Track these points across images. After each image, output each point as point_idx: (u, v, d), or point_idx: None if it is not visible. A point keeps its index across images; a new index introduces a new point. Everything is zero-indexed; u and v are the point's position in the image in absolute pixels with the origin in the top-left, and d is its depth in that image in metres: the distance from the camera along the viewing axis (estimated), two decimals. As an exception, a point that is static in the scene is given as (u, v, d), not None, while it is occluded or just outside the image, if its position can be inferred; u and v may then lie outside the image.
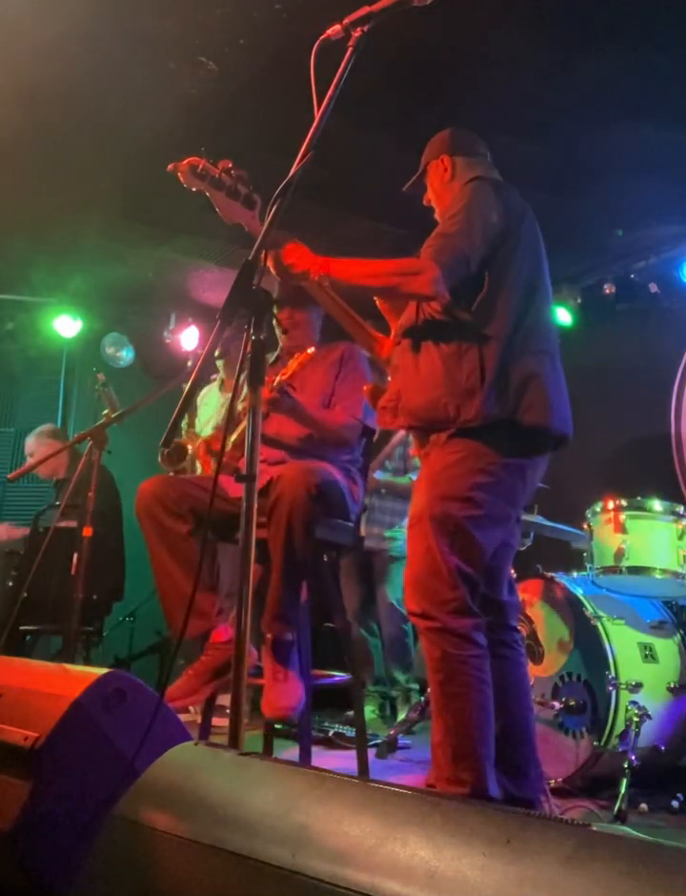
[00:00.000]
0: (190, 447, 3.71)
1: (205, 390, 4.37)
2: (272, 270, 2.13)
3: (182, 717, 1.78)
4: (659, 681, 3.04)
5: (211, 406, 4.33)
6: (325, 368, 3.00)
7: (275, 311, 3.09)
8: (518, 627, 2.41)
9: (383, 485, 4.50)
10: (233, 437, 2.83)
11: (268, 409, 2.73)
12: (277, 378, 2.72)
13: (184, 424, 3.94)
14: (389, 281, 2.19)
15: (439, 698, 2.12)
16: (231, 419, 2.80)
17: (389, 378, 2.47)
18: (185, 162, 1.95)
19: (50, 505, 4.70)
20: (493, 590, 2.27)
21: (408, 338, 2.32)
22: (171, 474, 3.48)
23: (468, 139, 2.48)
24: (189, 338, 6.16)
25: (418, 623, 2.19)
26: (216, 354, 3.63)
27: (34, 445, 4.96)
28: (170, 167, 1.95)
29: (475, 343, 2.17)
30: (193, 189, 1.97)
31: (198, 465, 3.74)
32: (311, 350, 2.86)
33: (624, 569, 3.06)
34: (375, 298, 2.43)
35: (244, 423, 2.80)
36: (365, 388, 2.53)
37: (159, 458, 3.71)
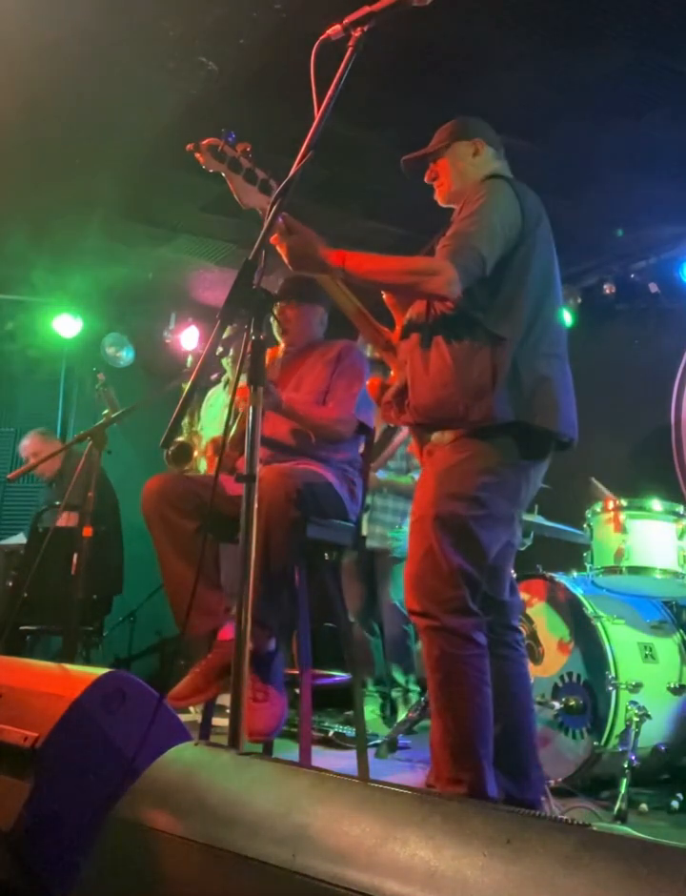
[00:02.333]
0: (195, 450, 3.71)
1: (211, 391, 4.38)
2: (285, 259, 2.12)
3: (182, 717, 1.78)
4: (659, 681, 3.04)
5: (216, 407, 4.33)
6: (322, 365, 2.99)
7: (275, 308, 3.09)
8: (519, 627, 2.41)
9: (385, 484, 4.50)
10: (232, 434, 2.83)
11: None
12: None
13: (185, 423, 3.94)
14: (404, 279, 2.17)
15: (438, 697, 2.12)
16: (231, 417, 2.80)
17: (391, 373, 2.46)
18: (205, 142, 1.94)
19: (49, 505, 4.70)
20: (494, 590, 2.27)
21: (418, 335, 2.30)
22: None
23: (495, 135, 2.46)
24: (189, 338, 6.17)
25: (418, 622, 2.18)
26: (218, 352, 3.63)
27: (32, 446, 4.98)
28: (189, 146, 1.94)
29: (488, 343, 2.16)
30: (211, 170, 1.96)
31: (204, 464, 3.74)
32: (281, 346, 2.86)
33: (624, 569, 3.06)
34: (384, 293, 2.42)
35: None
36: (369, 382, 2.50)
37: (165, 460, 3.71)
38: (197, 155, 1.94)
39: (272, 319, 3.08)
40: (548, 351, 2.22)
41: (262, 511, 2.43)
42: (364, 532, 4.50)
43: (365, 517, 4.50)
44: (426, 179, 2.46)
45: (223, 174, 2.00)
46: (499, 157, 2.43)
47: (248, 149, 1.98)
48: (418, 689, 4.39)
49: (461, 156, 2.40)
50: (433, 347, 2.24)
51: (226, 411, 4.09)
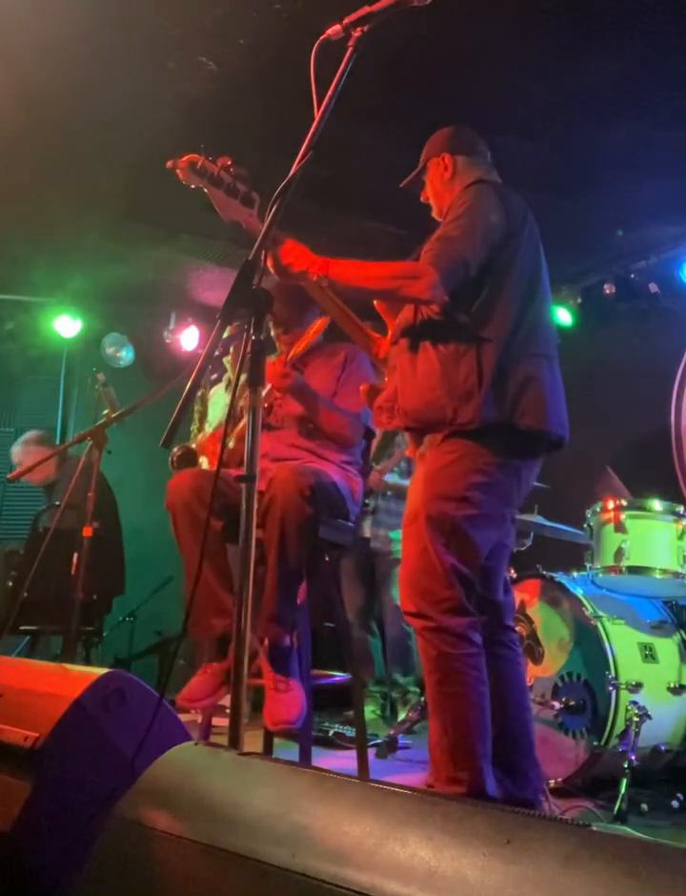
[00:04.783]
0: (201, 457, 3.71)
1: (213, 390, 4.38)
2: (270, 268, 2.13)
3: (182, 717, 1.78)
4: (659, 681, 3.04)
5: (218, 406, 4.33)
6: (328, 369, 3.00)
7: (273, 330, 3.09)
8: (515, 627, 2.41)
9: (391, 487, 4.51)
10: (236, 430, 2.84)
11: (279, 387, 2.74)
12: (289, 355, 2.73)
13: (193, 428, 3.94)
14: (387, 284, 2.19)
15: (436, 697, 2.12)
16: (231, 417, 2.80)
17: (386, 378, 2.48)
18: (184, 159, 1.95)
19: (49, 505, 4.70)
20: (488, 590, 2.27)
21: (405, 339, 2.32)
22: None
23: (469, 138, 2.48)
24: (189, 338, 6.16)
25: (414, 623, 2.19)
26: (217, 352, 3.62)
27: (21, 454, 4.92)
28: (168, 164, 1.95)
29: (474, 345, 2.17)
30: (192, 185, 1.98)
31: (204, 461, 3.74)
32: (317, 322, 2.87)
33: (624, 569, 3.06)
34: (373, 300, 2.43)
35: (244, 420, 2.82)
36: (362, 388, 2.53)
37: (170, 465, 3.70)
38: (178, 172, 1.95)
39: (272, 334, 3.08)
40: (535, 351, 2.23)
41: (277, 509, 2.45)
42: (367, 534, 4.51)
43: (369, 519, 4.51)
44: (422, 199, 2.53)
45: (204, 190, 2.00)
46: (479, 164, 2.44)
47: (228, 163, 1.99)
48: (418, 690, 4.40)
49: (436, 174, 2.46)
50: (420, 351, 2.25)
51: (226, 410, 4.10)
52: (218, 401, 4.33)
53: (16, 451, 4.98)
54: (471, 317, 2.19)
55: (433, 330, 2.24)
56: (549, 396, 2.20)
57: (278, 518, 2.45)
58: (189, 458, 3.69)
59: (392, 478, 4.50)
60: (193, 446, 3.80)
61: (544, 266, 2.34)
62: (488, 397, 2.13)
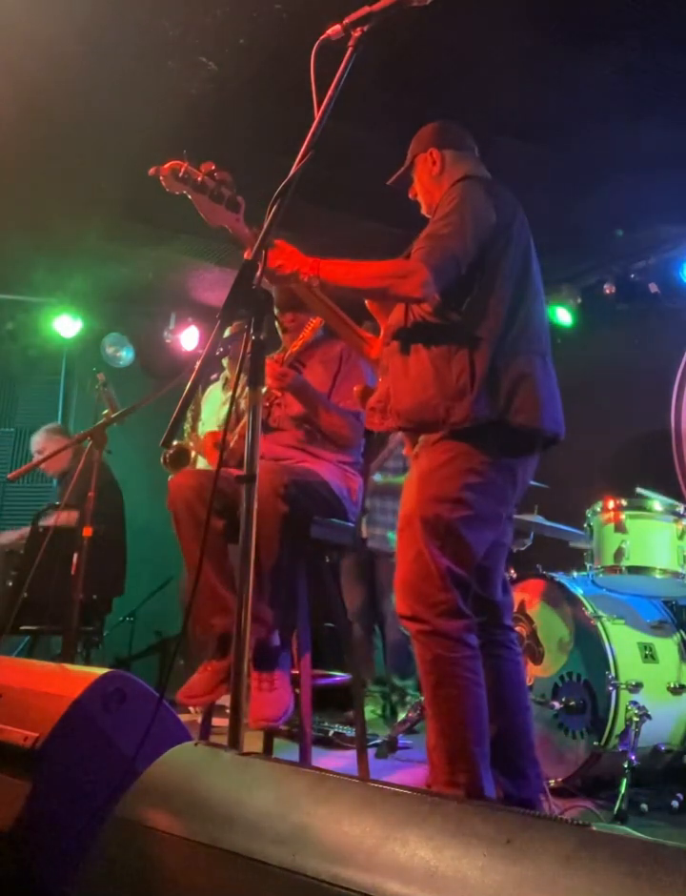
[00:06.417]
0: (193, 452, 3.71)
1: (210, 388, 4.38)
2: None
3: (182, 717, 1.78)
4: (659, 681, 3.04)
5: (214, 404, 4.34)
6: (325, 364, 2.99)
7: (277, 313, 3.09)
8: (514, 627, 2.40)
9: (380, 487, 4.50)
10: (238, 428, 2.84)
11: (278, 386, 2.74)
12: (289, 351, 2.72)
13: (186, 427, 3.94)
14: (379, 283, 2.18)
15: (433, 700, 2.12)
16: (232, 416, 2.80)
17: (378, 379, 2.47)
18: (166, 166, 1.94)
19: (50, 505, 4.70)
20: (486, 590, 2.27)
21: (397, 340, 2.30)
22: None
23: (456, 133, 2.46)
24: (189, 338, 6.17)
25: (409, 627, 2.17)
26: (217, 352, 3.62)
27: (42, 442, 4.97)
28: (151, 171, 1.94)
29: (466, 344, 2.16)
30: (176, 193, 1.96)
31: (203, 460, 3.74)
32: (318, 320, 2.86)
33: (624, 569, 3.06)
34: (365, 299, 2.42)
35: (243, 420, 2.82)
36: (355, 389, 2.52)
37: (162, 463, 3.70)
38: (160, 179, 1.94)
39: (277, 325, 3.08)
40: (528, 348, 2.22)
41: None
42: (364, 534, 4.51)
43: (363, 519, 4.51)
44: (410, 196, 2.51)
45: (189, 196, 1.99)
46: (467, 158, 2.43)
47: (212, 168, 1.97)
48: (417, 693, 4.39)
49: (424, 170, 2.44)
50: (412, 351, 2.24)
51: (225, 408, 4.10)
52: (214, 400, 4.34)
53: (37, 439, 5.01)
54: (462, 316, 2.18)
55: (424, 330, 2.23)
56: (542, 393, 2.19)
57: None
58: (181, 457, 3.69)
59: (379, 478, 4.50)
60: (180, 443, 3.80)
61: (535, 262, 2.33)
62: (481, 396, 2.12)
